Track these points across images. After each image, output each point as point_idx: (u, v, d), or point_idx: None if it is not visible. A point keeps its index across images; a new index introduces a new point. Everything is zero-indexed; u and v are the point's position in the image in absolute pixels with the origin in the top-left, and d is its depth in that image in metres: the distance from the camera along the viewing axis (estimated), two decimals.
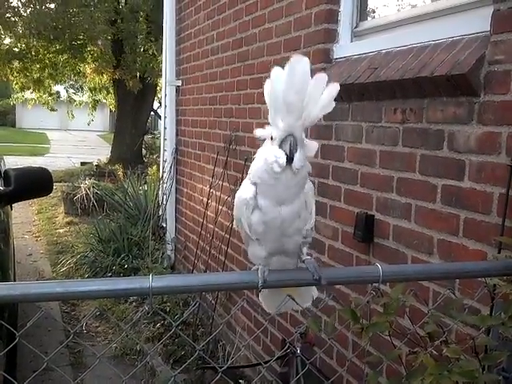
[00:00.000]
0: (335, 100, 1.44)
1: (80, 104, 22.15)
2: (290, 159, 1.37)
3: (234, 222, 1.59)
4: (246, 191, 1.48)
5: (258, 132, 1.48)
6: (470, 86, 2.24)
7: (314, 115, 1.40)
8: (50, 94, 18.98)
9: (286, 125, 1.38)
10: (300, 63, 1.34)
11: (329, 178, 3.31)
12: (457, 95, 2.34)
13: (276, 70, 1.37)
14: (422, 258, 2.55)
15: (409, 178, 2.63)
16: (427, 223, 2.52)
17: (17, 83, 17.44)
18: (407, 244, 2.65)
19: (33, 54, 15.67)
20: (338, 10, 3.33)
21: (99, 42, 14.60)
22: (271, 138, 1.42)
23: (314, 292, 1.73)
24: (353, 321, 1.59)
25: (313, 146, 1.50)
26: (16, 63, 15.99)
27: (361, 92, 2.97)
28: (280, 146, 1.39)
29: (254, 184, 1.47)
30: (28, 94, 20.05)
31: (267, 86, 1.41)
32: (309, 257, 1.58)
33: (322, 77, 1.38)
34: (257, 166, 1.46)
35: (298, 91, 1.34)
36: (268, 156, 1.40)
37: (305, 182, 1.49)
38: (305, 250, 1.58)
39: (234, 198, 4.43)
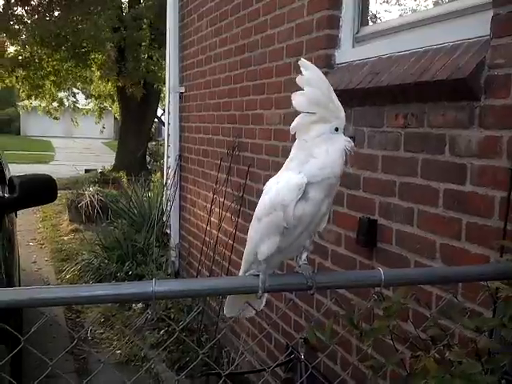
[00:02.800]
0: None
1: (87, 112, 22.24)
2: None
3: (264, 210, 1.56)
4: (299, 178, 1.50)
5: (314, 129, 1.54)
6: (471, 91, 2.25)
7: None
8: (58, 102, 19.08)
9: (343, 115, 1.51)
10: (312, 68, 1.53)
11: None
12: (458, 99, 2.34)
13: (310, 74, 1.52)
14: (425, 262, 2.55)
15: (411, 183, 2.64)
16: (430, 227, 2.52)
17: (23, 91, 17.54)
18: (410, 248, 2.65)
19: (36, 61, 15.75)
20: (339, 15, 3.34)
21: (109, 47, 14.63)
22: (336, 130, 1.51)
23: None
24: (352, 327, 1.60)
25: None
26: (20, 71, 16.08)
27: (362, 97, 2.98)
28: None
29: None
30: (35, 102, 20.14)
31: (300, 95, 1.55)
32: (306, 262, 1.59)
33: None
34: (328, 159, 1.50)
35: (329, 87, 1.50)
36: (345, 144, 1.50)
37: None
38: (304, 255, 1.60)
39: (237, 203, 4.42)
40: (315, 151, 1.50)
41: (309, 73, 1.50)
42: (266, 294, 1.66)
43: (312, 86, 1.49)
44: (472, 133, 2.27)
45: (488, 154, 2.19)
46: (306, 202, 1.49)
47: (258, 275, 1.54)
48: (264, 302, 1.76)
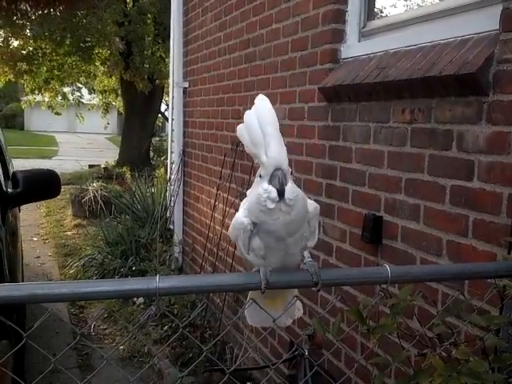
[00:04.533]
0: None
1: (92, 107, 22.24)
2: (281, 193, 1.38)
3: (231, 237, 1.59)
4: (243, 219, 1.48)
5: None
6: (479, 86, 2.22)
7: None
8: (63, 97, 19.09)
9: (271, 160, 1.39)
10: (264, 100, 1.47)
11: (336, 179, 3.30)
12: (465, 95, 2.32)
13: (247, 113, 1.45)
14: (431, 259, 2.53)
15: (417, 179, 2.62)
16: (436, 224, 2.50)
17: (27, 86, 17.56)
18: (416, 245, 2.63)
19: (40, 55, 15.76)
20: (345, 9, 3.32)
21: (117, 40, 14.59)
22: (260, 176, 1.42)
23: (298, 309, 1.74)
24: (359, 322, 1.58)
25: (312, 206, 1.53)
26: (24, 65, 16.10)
27: (368, 92, 2.95)
28: (270, 183, 1.39)
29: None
30: (39, 97, 20.15)
31: (242, 130, 1.46)
32: (310, 259, 1.57)
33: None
34: (251, 206, 1.45)
35: (271, 123, 1.42)
36: (259, 193, 1.40)
37: (304, 212, 1.48)
38: (306, 253, 1.58)
39: (241, 199, 4.41)
40: (251, 191, 1.49)
41: (255, 110, 1.45)
42: (296, 302, 1.68)
43: (250, 123, 1.43)
44: (480, 128, 2.25)
45: (496, 150, 2.16)
46: (258, 236, 1.48)
47: (259, 271, 1.53)
48: (299, 309, 1.75)
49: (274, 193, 1.38)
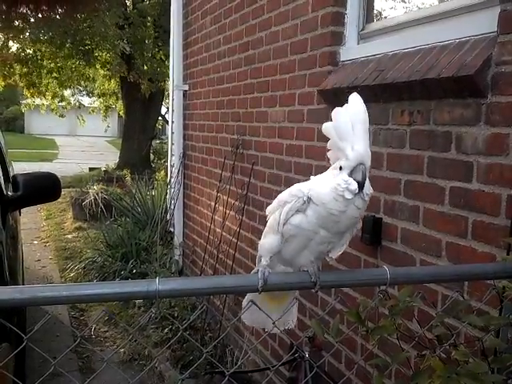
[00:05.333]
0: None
1: (93, 110, 22.25)
2: (361, 186, 1.43)
3: (271, 208, 1.62)
4: (303, 188, 1.52)
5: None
6: (478, 88, 2.23)
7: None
8: (61, 99, 19.09)
9: (357, 154, 1.44)
10: (358, 99, 1.50)
11: None
12: (464, 96, 2.32)
13: (338, 110, 1.50)
14: (431, 260, 2.53)
15: (416, 181, 2.62)
16: (435, 226, 2.50)
17: (27, 89, 17.58)
18: (415, 247, 2.63)
19: (39, 58, 15.78)
20: (344, 12, 3.32)
21: (122, 44, 14.58)
22: (340, 168, 1.47)
23: (293, 317, 1.76)
24: (358, 324, 1.58)
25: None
26: (24, 68, 16.12)
27: (367, 94, 2.95)
28: (350, 175, 1.44)
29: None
30: (38, 100, 20.17)
31: (329, 128, 1.53)
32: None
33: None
34: (322, 193, 1.48)
35: (362, 121, 1.47)
36: (339, 183, 1.44)
37: (363, 213, 1.55)
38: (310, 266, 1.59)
39: (241, 201, 4.41)
40: (320, 179, 1.54)
41: (348, 107, 1.49)
42: (294, 308, 1.70)
43: (340, 120, 1.49)
44: (479, 130, 2.25)
45: (495, 151, 2.17)
46: (304, 216, 1.51)
47: (258, 271, 1.53)
48: (294, 322, 1.77)
49: (354, 185, 1.43)
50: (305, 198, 1.50)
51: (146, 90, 15.42)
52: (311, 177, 1.60)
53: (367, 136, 1.47)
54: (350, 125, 1.46)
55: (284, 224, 1.53)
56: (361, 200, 1.44)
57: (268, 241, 1.59)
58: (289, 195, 1.54)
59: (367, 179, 1.45)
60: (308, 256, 1.57)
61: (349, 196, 1.43)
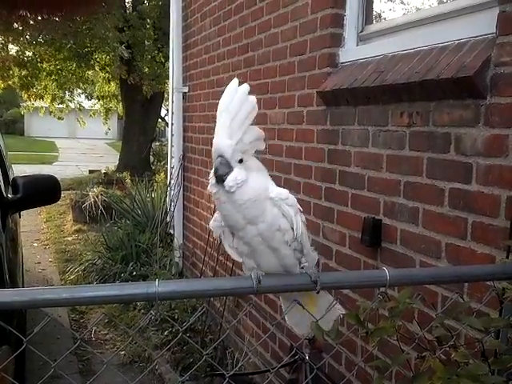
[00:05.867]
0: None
1: (94, 113, 22.24)
2: (219, 179, 1.43)
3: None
4: (218, 216, 1.56)
5: None
6: (477, 89, 2.23)
7: (245, 137, 1.47)
8: (61, 102, 19.09)
9: (213, 147, 1.46)
10: (231, 84, 1.48)
11: (336, 183, 3.30)
12: (463, 98, 2.32)
13: None
14: (430, 262, 2.53)
15: (416, 182, 2.62)
16: (435, 227, 2.50)
17: (25, 92, 17.57)
18: (415, 248, 2.63)
19: (38, 61, 15.78)
20: (343, 14, 3.33)
21: (122, 47, 14.57)
22: None
23: (337, 311, 1.73)
24: (358, 325, 1.58)
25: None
26: (23, 71, 16.12)
27: (367, 96, 2.96)
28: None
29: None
30: (37, 103, 20.16)
31: None
32: (307, 263, 1.58)
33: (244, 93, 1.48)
34: None
35: (223, 109, 1.47)
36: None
37: (261, 202, 1.48)
38: (304, 259, 1.58)
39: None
40: None
41: (227, 91, 1.49)
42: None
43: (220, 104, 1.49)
44: (478, 131, 2.25)
45: (494, 152, 2.17)
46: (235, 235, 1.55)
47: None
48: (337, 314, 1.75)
49: (212, 179, 1.45)
50: (218, 224, 1.56)
51: (147, 92, 15.42)
52: None
53: (227, 124, 1.45)
54: (217, 117, 1.46)
55: (236, 251, 1.58)
56: (225, 192, 1.44)
57: (244, 265, 1.62)
58: (215, 230, 1.59)
59: (237, 169, 1.44)
60: (283, 253, 1.55)
61: (211, 190, 1.46)
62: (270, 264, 1.55)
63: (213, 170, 1.46)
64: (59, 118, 20.79)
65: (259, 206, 1.48)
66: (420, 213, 2.59)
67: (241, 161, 1.45)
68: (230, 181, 1.42)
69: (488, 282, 1.97)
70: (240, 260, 1.61)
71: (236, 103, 1.45)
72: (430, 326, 1.68)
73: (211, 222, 1.58)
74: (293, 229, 1.52)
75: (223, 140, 1.44)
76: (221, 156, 1.43)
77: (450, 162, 2.40)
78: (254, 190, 1.46)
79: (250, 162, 1.48)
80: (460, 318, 1.67)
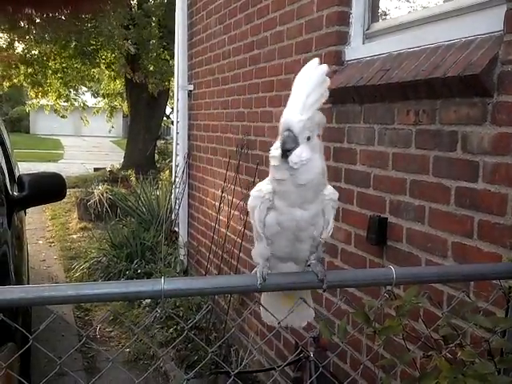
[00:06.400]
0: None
1: (98, 111, 22.26)
2: (284, 153, 1.38)
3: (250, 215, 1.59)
4: (263, 186, 1.49)
5: None
6: (484, 87, 2.22)
7: (315, 116, 1.43)
8: (66, 100, 19.10)
9: (282, 120, 1.40)
10: (313, 62, 1.43)
11: (341, 181, 3.30)
12: (470, 96, 2.31)
13: None
14: (436, 260, 2.52)
15: (422, 180, 2.61)
16: (441, 226, 2.50)
17: (31, 89, 17.62)
18: (421, 247, 2.63)
19: (44, 58, 15.81)
20: (349, 11, 3.32)
21: (128, 42, 14.56)
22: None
23: (310, 312, 1.72)
24: (365, 324, 1.58)
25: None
26: (29, 69, 16.16)
27: (373, 94, 2.95)
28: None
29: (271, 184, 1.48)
30: (43, 101, 20.19)
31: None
32: (314, 261, 1.57)
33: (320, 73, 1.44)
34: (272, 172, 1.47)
35: (300, 83, 1.42)
36: (270, 151, 1.43)
37: (319, 186, 1.47)
38: (312, 257, 1.57)
39: (246, 202, 4.41)
40: None
41: (304, 70, 1.45)
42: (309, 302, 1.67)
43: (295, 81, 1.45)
44: (484, 130, 2.24)
45: (501, 151, 2.16)
46: (276, 211, 1.49)
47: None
48: (311, 316, 1.74)
49: (276, 152, 1.40)
50: (267, 196, 1.48)
51: (153, 90, 15.41)
52: None
53: (302, 99, 1.40)
54: (292, 90, 1.42)
55: (263, 226, 1.51)
56: (288, 168, 1.40)
57: (257, 250, 1.58)
58: (254, 199, 1.52)
59: (301, 147, 1.39)
60: (302, 246, 1.53)
61: (274, 163, 1.42)
62: (285, 250, 1.53)
63: (278, 143, 1.41)
64: (62, 117, 20.80)
65: (316, 190, 1.47)
66: (426, 211, 2.59)
67: (308, 138, 1.41)
68: (294, 157, 1.38)
69: (494, 281, 1.97)
70: (256, 241, 1.58)
71: (314, 81, 1.42)
72: (436, 324, 1.67)
73: (254, 191, 1.52)
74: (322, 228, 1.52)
75: (294, 114, 1.39)
76: (289, 130, 1.38)
77: (457, 160, 2.39)
78: (315, 173, 1.44)
79: (315, 141, 1.44)
80: (466, 317, 1.66)
